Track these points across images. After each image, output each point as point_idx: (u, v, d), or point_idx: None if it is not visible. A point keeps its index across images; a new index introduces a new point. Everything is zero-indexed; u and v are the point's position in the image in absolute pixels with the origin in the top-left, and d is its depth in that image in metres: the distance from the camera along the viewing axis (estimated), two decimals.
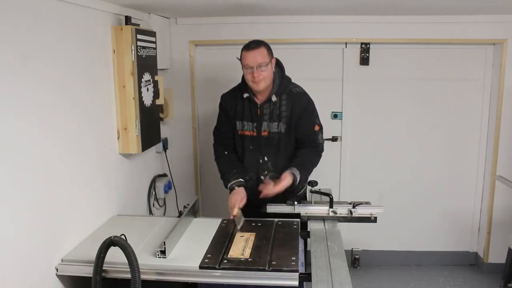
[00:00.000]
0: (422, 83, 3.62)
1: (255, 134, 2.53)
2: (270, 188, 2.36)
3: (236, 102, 2.56)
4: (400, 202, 3.74)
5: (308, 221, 2.41)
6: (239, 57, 2.44)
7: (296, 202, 2.46)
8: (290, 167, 2.43)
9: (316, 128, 2.54)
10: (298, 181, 2.40)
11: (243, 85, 2.54)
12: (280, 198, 2.48)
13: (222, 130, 2.66)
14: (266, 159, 2.54)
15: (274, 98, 2.47)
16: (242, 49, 2.43)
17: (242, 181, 2.52)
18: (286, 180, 2.37)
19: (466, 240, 3.85)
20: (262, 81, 2.39)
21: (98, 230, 2.29)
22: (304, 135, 2.52)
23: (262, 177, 2.54)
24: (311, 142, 2.53)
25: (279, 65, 2.55)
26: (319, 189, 2.47)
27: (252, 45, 2.40)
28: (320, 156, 2.57)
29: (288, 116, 2.48)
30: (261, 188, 2.41)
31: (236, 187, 2.49)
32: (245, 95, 2.50)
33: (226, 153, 2.65)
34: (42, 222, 1.88)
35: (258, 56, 2.37)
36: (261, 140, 2.53)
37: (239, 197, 2.42)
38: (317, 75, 3.58)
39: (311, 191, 2.45)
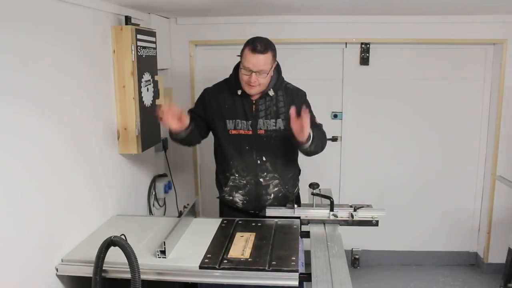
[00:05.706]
0: (422, 83, 3.62)
1: (250, 133, 2.37)
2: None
3: (225, 99, 2.39)
4: (400, 202, 3.73)
5: (309, 224, 2.37)
6: (239, 54, 2.29)
7: (296, 206, 2.44)
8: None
9: (317, 120, 2.43)
10: (311, 138, 2.18)
11: (235, 81, 2.36)
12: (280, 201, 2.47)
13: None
14: (264, 159, 2.40)
15: (271, 93, 2.35)
16: (246, 47, 2.23)
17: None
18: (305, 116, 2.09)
19: (466, 240, 3.85)
20: (257, 87, 2.27)
21: (98, 230, 2.29)
22: (312, 126, 2.25)
23: (261, 180, 2.42)
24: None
25: (276, 67, 2.41)
26: (319, 190, 2.46)
27: (259, 47, 2.19)
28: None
29: (287, 112, 2.27)
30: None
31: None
32: (239, 91, 2.35)
33: None
34: (42, 222, 1.88)
35: (261, 61, 2.20)
36: (257, 140, 2.38)
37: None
38: (317, 75, 3.58)
39: (312, 194, 2.43)
